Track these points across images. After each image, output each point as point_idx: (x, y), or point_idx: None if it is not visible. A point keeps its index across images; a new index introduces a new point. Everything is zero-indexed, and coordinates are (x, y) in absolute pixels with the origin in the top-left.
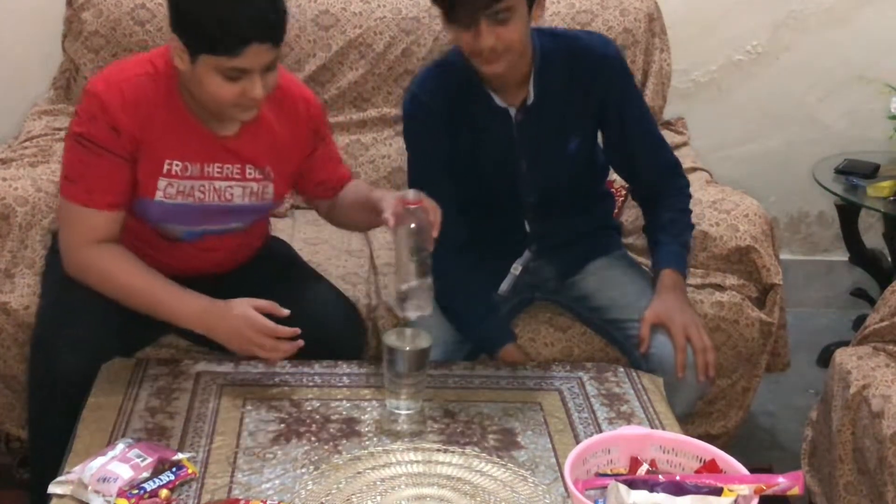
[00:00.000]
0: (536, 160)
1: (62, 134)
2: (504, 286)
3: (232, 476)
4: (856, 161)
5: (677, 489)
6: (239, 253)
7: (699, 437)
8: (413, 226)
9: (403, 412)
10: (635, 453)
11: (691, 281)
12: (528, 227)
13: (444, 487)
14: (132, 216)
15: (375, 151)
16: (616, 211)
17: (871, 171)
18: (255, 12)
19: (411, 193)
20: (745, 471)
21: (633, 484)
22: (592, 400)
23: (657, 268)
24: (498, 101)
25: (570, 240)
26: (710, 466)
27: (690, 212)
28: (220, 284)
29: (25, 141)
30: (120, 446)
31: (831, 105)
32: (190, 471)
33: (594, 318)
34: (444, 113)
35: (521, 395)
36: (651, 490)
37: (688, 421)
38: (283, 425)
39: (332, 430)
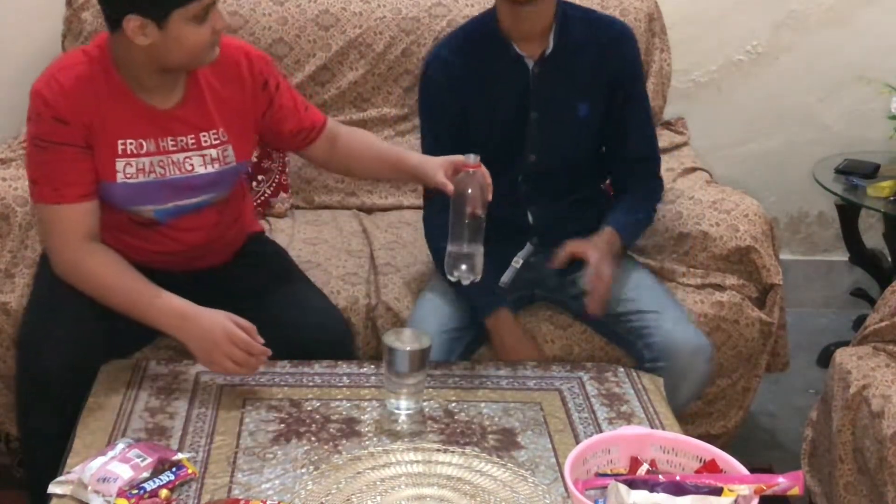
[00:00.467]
0: (547, 114)
1: None
2: (505, 278)
3: (232, 476)
4: (856, 161)
5: (677, 489)
6: (218, 233)
7: (699, 437)
8: (470, 191)
9: (403, 412)
10: (635, 453)
11: (691, 281)
12: (530, 219)
13: (444, 487)
14: (103, 207)
15: None
16: None
17: (871, 171)
18: None
19: (472, 157)
20: (745, 471)
21: (633, 484)
22: (592, 400)
23: (604, 224)
24: (518, 49)
25: (570, 236)
26: (710, 466)
27: (654, 214)
28: (207, 286)
29: (25, 141)
30: (120, 446)
31: (831, 105)
32: (190, 471)
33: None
34: (464, 67)
35: (521, 395)
36: (651, 490)
37: (688, 421)
38: (283, 425)
39: (332, 430)
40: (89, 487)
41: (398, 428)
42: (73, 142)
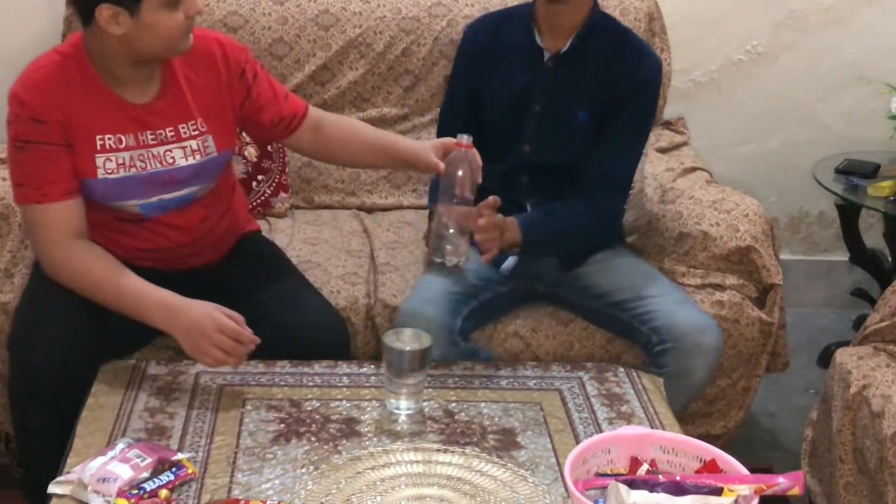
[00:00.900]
0: (548, 110)
1: None
2: (506, 265)
3: (232, 476)
4: (856, 161)
5: (677, 489)
6: (207, 229)
7: (699, 437)
8: (461, 173)
9: (403, 412)
10: (635, 453)
11: (691, 281)
12: (529, 210)
13: (444, 487)
14: (89, 206)
15: None
16: None
17: (872, 171)
18: None
19: (465, 137)
20: (745, 471)
21: (633, 484)
22: (592, 400)
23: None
24: (539, 40)
25: None
26: (711, 466)
27: (582, 227)
28: (202, 285)
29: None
30: (119, 446)
31: (831, 105)
32: (190, 471)
33: (597, 306)
34: (490, 42)
35: (521, 395)
36: (651, 490)
37: (688, 421)
38: (283, 425)
39: (332, 430)
40: (89, 487)
41: (398, 428)
42: (51, 140)
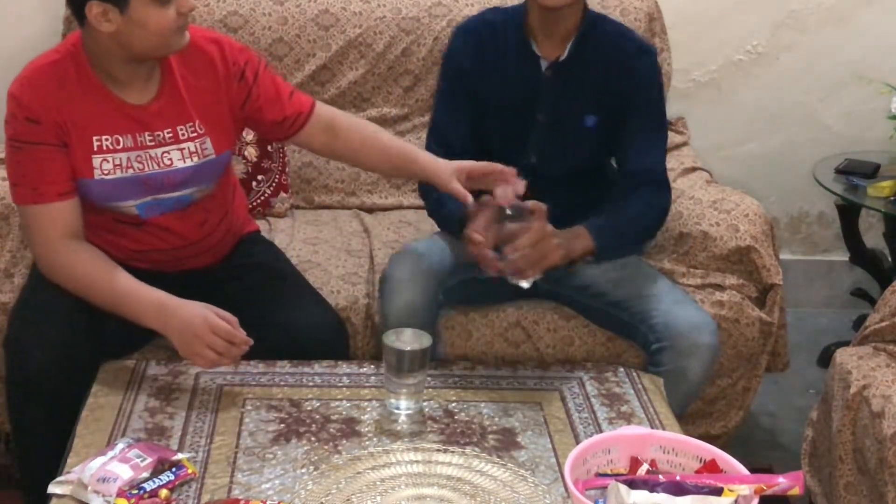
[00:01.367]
0: (553, 119)
1: None
2: (526, 284)
3: (232, 476)
4: (856, 161)
5: (677, 489)
6: (205, 232)
7: (699, 437)
8: (509, 225)
9: (403, 412)
10: (635, 453)
11: (691, 281)
12: None
13: (444, 487)
14: (87, 207)
15: None
16: None
17: (872, 171)
18: None
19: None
20: (745, 471)
21: (633, 484)
22: (592, 400)
23: (583, 225)
24: (536, 49)
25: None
26: (711, 466)
27: (648, 218)
28: (200, 286)
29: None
30: (119, 446)
31: (831, 105)
32: (190, 471)
33: (596, 304)
34: (485, 47)
35: (521, 395)
36: (651, 490)
37: (688, 421)
38: (283, 425)
39: (332, 430)
40: (89, 487)
41: (398, 428)
42: (46, 141)
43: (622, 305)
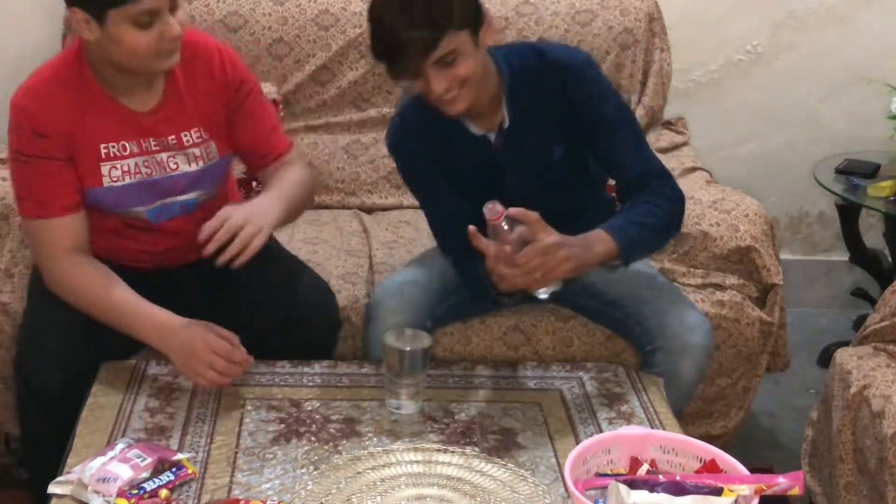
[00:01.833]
0: (523, 173)
1: None
2: (543, 293)
3: (232, 476)
4: (856, 161)
5: (677, 489)
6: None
7: (700, 437)
8: (510, 240)
9: (403, 412)
10: (635, 453)
11: (691, 281)
12: None
13: (444, 487)
14: (95, 213)
15: (376, 151)
16: None
17: (872, 171)
18: None
19: (486, 208)
20: (745, 471)
21: (633, 484)
22: (592, 400)
23: (600, 228)
24: (474, 129)
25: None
26: (711, 466)
27: (663, 210)
28: (198, 275)
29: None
30: (119, 446)
31: (831, 105)
32: (190, 471)
33: (594, 304)
34: (428, 139)
35: (521, 395)
36: (651, 490)
37: (688, 421)
38: (283, 425)
39: (332, 430)
40: (89, 487)
41: (398, 428)
42: (53, 155)
43: (617, 304)
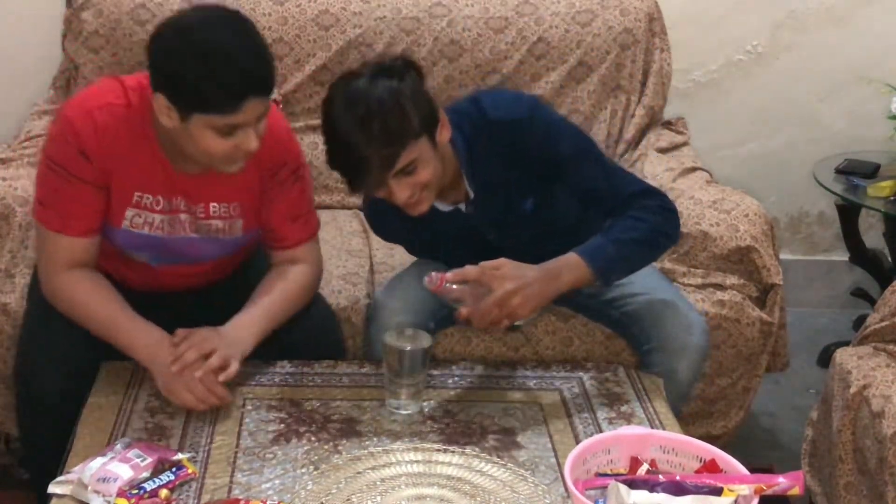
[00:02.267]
0: (501, 230)
1: None
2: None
3: (232, 476)
4: (856, 161)
5: (677, 489)
6: (214, 275)
7: (700, 437)
8: (464, 296)
9: (403, 412)
10: (635, 453)
11: (691, 281)
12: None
13: (444, 487)
14: (105, 239)
15: None
16: None
17: (872, 171)
18: (248, 68)
19: (426, 281)
20: (745, 471)
21: (633, 484)
22: (592, 400)
23: (573, 251)
24: (443, 207)
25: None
26: (710, 466)
27: (647, 223)
28: (202, 299)
29: (25, 141)
30: (119, 446)
31: (831, 105)
32: (190, 471)
33: (593, 304)
34: (405, 218)
35: (521, 395)
36: (651, 490)
37: (688, 421)
38: (283, 425)
39: (332, 430)
40: (89, 487)
41: (398, 428)
42: (90, 179)
43: (615, 304)
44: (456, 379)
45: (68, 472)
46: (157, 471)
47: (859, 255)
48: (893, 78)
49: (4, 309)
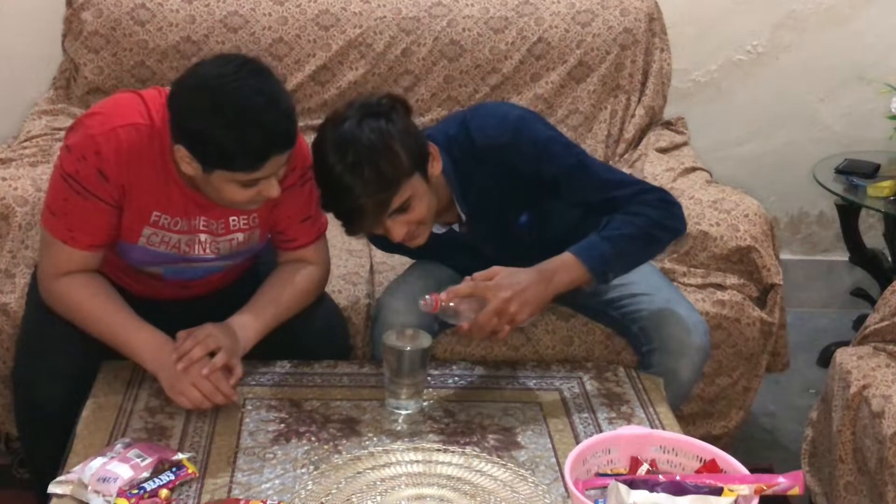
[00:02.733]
0: (498, 245)
1: (62, 134)
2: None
3: (232, 476)
4: (856, 161)
5: (677, 489)
6: (222, 284)
7: (700, 438)
8: (463, 311)
9: (403, 412)
10: (635, 453)
11: (691, 281)
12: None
13: (444, 487)
14: (113, 252)
15: None
16: None
17: (872, 171)
18: (273, 128)
19: (421, 305)
20: (745, 471)
21: (633, 484)
22: (592, 400)
23: (568, 251)
24: (437, 229)
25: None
26: (710, 466)
27: (644, 217)
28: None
29: (25, 141)
30: (119, 446)
31: (831, 105)
32: (190, 471)
33: (592, 303)
34: (402, 248)
35: (521, 395)
36: (651, 490)
37: (688, 421)
38: (283, 425)
39: (332, 430)
40: (89, 487)
41: (398, 428)
42: (105, 198)
43: (615, 304)
44: (456, 379)
45: (68, 472)
46: (157, 471)
47: (859, 255)
48: (893, 78)
49: (4, 309)
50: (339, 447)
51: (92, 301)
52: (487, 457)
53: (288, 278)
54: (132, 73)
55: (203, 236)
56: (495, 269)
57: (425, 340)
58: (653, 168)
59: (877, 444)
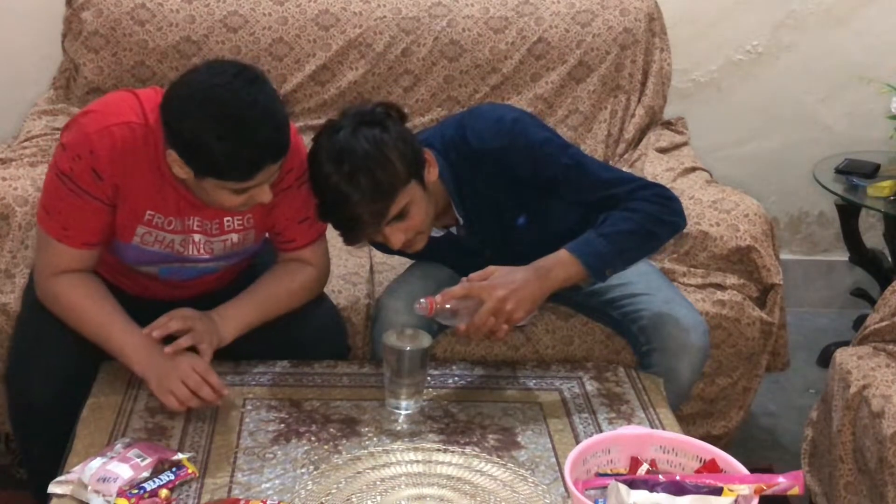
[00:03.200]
0: (497, 246)
1: None
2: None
3: (232, 476)
4: (856, 161)
5: (677, 489)
6: (218, 285)
7: (700, 438)
8: (459, 311)
9: (403, 412)
10: (635, 453)
11: (691, 281)
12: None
13: (444, 487)
14: (108, 251)
15: None
16: None
17: (872, 171)
18: (266, 140)
19: (417, 308)
20: (745, 471)
21: (633, 484)
22: (592, 400)
23: (564, 248)
24: (435, 232)
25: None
26: (710, 466)
27: (640, 213)
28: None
29: (25, 141)
30: (119, 446)
31: (831, 105)
32: (190, 471)
33: (592, 303)
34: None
35: (521, 395)
36: (651, 490)
37: (688, 421)
38: (283, 425)
39: (332, 430)
40: (89, 487)
41: (398, 428)
42: (99, 196)
43: (614, 304)
44: (456, 379)
45: (68, 472)
46: (157, 471)
47: (859, 255)
48: (893, 78)
49: (4, 309)
50: (339, 447)
51: (84, 301)
52: (487, 457)
53: (280, 276)
54: (132, 73)
55: (197, 236)
56: (491, 268)
57: (425, 340)
58: (653, 168)
59: (877, 444)
